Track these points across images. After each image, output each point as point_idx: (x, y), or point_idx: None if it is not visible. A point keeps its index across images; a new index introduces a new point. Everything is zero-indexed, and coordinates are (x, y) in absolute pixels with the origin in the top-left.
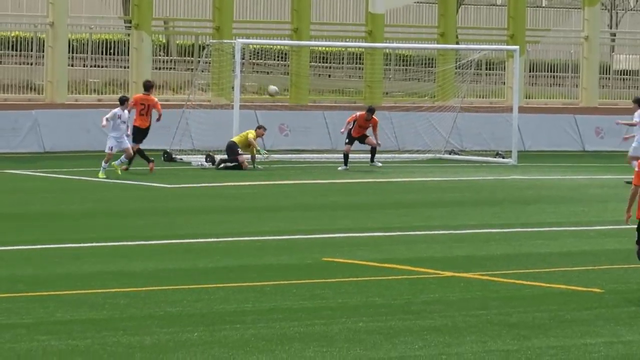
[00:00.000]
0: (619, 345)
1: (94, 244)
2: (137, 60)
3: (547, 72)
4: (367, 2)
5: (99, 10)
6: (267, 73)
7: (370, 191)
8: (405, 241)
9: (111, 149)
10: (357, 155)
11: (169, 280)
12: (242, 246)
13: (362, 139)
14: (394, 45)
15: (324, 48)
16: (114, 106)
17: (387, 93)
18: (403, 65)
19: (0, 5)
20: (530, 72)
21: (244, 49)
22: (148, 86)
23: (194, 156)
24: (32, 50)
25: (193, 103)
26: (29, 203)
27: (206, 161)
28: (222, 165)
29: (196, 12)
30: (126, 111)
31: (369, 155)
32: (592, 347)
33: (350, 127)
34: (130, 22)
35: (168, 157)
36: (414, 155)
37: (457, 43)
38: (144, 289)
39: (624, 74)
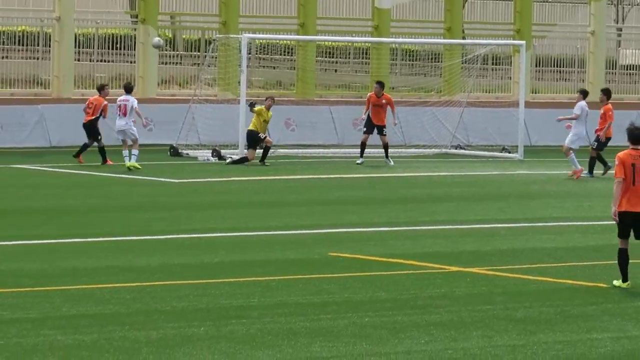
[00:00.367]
0: (625, 340)
1: (100, 239)
2: (143, 55)
3: (554, 67)
4: None
5: (105, 4)
6: (274, 68)
7: (376, 186)
8: (411, 236)
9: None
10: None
11: (175, 275)
12: (248, 241)
13: (381, 129)
14: (400, 40)
15: (330, 43)
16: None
17: (393, 88)
18: (409, 60)
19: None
20: (536, 67)
21: (250, 43)
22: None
23: (200, 151)
24: (38, 45)
25: (199, 98)
26: (36, 198)
27: (212, 156)
28: (228, 160)
29: (203, 6)
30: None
31: (383, 151)
32: (599, 342)
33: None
34: (136, 16)
35: (174, 151)
36: (420, 150)
37: (464, 38)
38: (150, 283)
39: (630, 69)
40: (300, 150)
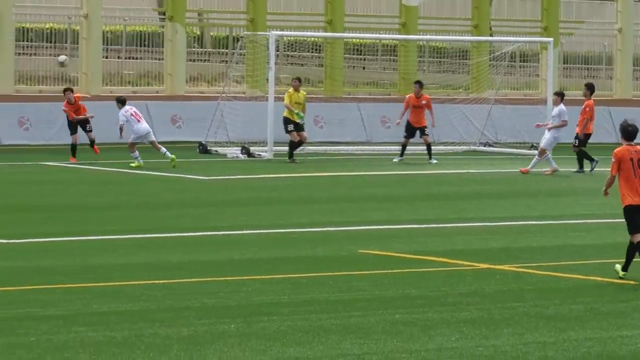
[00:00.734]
0: None
1: (129, 236)
2: (171, 53)
3: (581, 64)
4: None
5: (133, 2)
6: (302, 65)
7: (404, 183)
8: (440, 233)
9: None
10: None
11: (205, 272)
12: (277, 238)
13: (422, 130)
14: (428, 37)
15: (358, 40)
16: (148, 98)
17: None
18: (437, 57)
19: None
20: (564, 64)
21: (278, 41)
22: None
23: (229, 148)
24: (66, 42)
25: (228, 95)
26: (66, 195)
27: (241, 153)
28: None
29: (230, 3)
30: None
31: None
32: (629, 339)
33: (407, 118)
34: (164, 14)
35: (203, 148)
36: (448, 147)
37: (491, 35)
38: (180, 280)
39: None
40: (328, 147)
